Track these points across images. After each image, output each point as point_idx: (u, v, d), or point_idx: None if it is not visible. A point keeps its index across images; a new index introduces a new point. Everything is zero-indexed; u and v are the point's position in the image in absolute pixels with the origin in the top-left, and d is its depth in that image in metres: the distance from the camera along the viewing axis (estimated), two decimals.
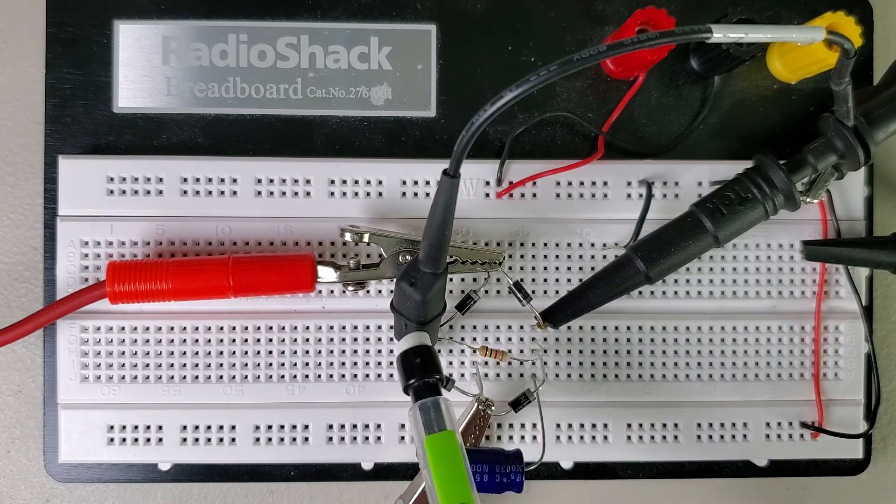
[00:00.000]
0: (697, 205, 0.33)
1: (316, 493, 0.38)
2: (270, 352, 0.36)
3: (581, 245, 0.37)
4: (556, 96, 0.38)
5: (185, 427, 0.36)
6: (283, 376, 0.36)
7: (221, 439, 0.36)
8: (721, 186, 0.33)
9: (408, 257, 0.35)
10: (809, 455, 0.38)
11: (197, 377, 0.36)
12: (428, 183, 0.37)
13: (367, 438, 0.37)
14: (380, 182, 0.37)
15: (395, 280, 0.33)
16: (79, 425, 0.36)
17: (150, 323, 0.36)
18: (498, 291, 0.37)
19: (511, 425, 0.37)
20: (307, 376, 0.36)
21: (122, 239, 0.36)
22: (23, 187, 0.37)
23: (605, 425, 0.37)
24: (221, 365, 0.36)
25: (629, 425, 0.37)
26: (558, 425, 0.37)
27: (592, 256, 0.37)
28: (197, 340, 0.36)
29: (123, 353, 0.36)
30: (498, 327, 0.37)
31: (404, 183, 0.37)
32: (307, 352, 0.36)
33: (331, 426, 0.36)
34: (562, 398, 0.37)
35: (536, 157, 0.37)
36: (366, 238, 0.35)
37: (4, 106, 0.37)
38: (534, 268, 0.37)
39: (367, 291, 0.36)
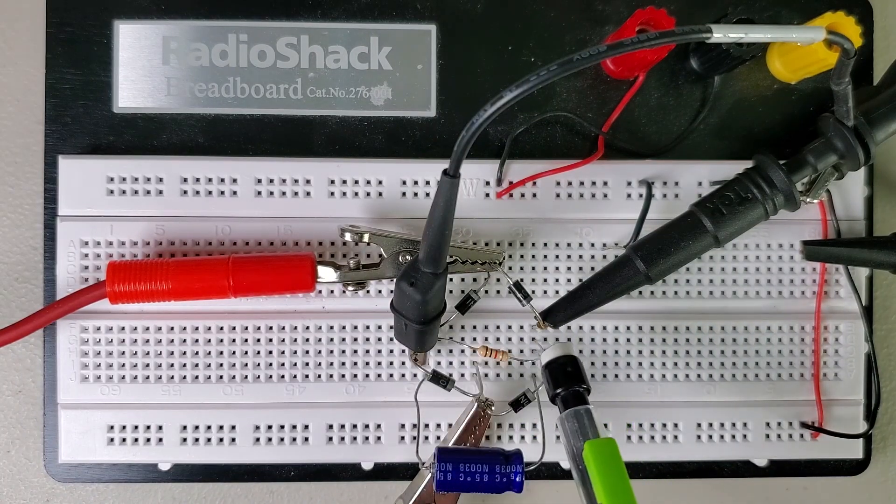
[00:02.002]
0: (697, 205, 0.33)
1: (316, 493, 0.38)
2: (270, 352, 0.36)
3: (581, 245, 0.37)
4: (556, 96, 0.38)
5: (185, 427, 0.36)
6: (283, 376, 0.36)
7: (221, 439, 0.36)
8: (721, 186, 0.33)
9: (408, 257, 0.35)
10: (809, 455, 0.38)
11: (197, 377, 0.36)
12: (428, 183, 0.37)
13: (367, 438, 0.37)
14: (380, 182, 0.37)
15: (395, 280, 0.33)
16: (79, 425, 0.36)
17: (150, 323, 0.36)
18: (498, 291, 0.37)
19: (511, 425, 0.37)
20: (307, 376, 0.36)
21: (122, 239, 0.36)
22: (23, 187, 0.37)
23: (606, 425, 0.37)
24: (221, 365, 0.36)
25: (629, 425, 0.37)
26: (558, 425, 0.37)
27: (592, 256, 0.37)
28: (197, 340, 0.36)
29: (123, 353, 0.36)
30: (498, 327, 0.37)
31: (404, 183, 0.37)
32: (307, 352, 0.36)
33: (331, 426, 0.36)
34: None
35: (536, 157, 0.37)
36: (366, 238, 0.35)
37: (4, 106, 0.37)
38: (534, 268, 0.37)
39: (367, 291, 0.36)
